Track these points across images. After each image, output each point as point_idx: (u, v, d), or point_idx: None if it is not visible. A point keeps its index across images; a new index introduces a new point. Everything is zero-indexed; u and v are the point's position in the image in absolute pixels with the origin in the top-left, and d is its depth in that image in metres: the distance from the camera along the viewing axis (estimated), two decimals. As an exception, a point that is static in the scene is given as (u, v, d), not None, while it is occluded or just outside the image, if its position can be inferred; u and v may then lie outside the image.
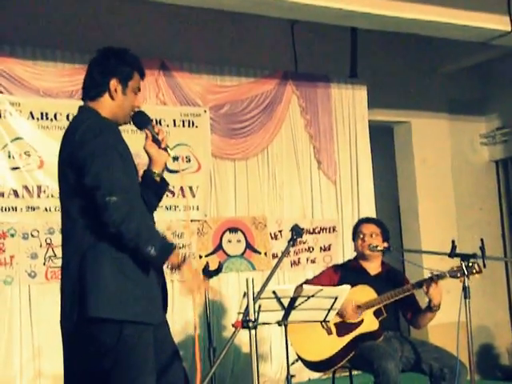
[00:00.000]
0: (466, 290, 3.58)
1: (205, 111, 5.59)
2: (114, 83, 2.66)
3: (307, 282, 4.15)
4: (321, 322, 3.78)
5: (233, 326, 2.46)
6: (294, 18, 5.20)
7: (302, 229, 2.94)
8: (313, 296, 3.33)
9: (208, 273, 4.13)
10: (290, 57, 6.06)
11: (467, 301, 3.57)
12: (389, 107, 6.69)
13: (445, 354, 3.88)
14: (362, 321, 3.97)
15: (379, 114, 6.64)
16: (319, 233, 6.03)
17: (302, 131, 6.06)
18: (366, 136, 6.33)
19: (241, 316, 2.49)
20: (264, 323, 3.11)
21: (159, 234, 2.56)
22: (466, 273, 3.61)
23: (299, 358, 4.02)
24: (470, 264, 3.84)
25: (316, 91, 6.11)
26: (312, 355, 3.98)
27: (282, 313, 3.37)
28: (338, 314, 3.84)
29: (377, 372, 3.65)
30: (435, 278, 3.82)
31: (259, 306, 2.52)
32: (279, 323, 3.36)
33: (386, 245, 4.12)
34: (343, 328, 3.97)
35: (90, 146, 2.50)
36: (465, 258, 3.65)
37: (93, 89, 2.68)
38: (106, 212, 2.43)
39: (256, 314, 2.44)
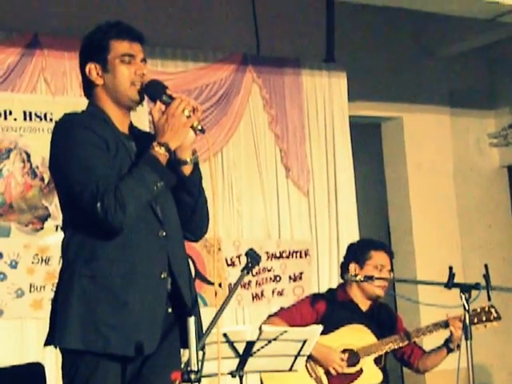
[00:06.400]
0: (466, 330, 3.62)
1: (142, 104, 5.56)
2: (88, 68, 2.82)
3: (276, 314, 4.16)
4: (308, 371, 3.91)
5: (172, 379, 2.45)
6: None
7: (259, 256, 2.91)
8: (275, 339, 3.34)
9: None
10: (250, 36, 6.10)
11: (468, 342, 3.62)
12: (375, 99, 6.77)
13: None
14: (361, 370, 4.01)
15: (363, 108, 6.71)
16: (288, 257, 6.06)
17: (266, 130, 6.09)
18: (346, 135, 6.38)
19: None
20: (212, 375, 3.10)
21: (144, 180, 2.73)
22: (466, 307, 3.67)
23: None
24: (487, 309, 3.96)
25: (283, 80, 6.15)
26: None
27: (237, 361, 3.38)
28: (320, 365, 3.91)
29: None
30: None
31: (203, 353, 2.52)
32: (233, 374, 3.36)
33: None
34: (337, 379, 4.01)
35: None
36: (465, 288, 3.70)
37: (83, 87, 2.89)
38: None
39: (200, 363, 2.45)
